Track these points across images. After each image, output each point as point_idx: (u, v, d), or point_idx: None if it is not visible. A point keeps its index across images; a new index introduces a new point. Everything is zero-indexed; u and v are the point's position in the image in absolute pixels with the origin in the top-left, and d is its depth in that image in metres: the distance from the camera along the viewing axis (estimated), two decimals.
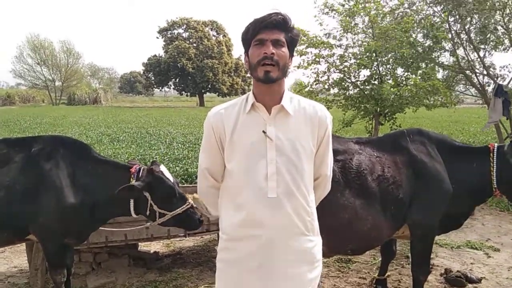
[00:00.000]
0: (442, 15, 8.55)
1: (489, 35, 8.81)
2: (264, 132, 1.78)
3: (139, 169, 3.12)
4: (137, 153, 9.66)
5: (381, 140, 3.35)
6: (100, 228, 3.42)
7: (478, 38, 9.13)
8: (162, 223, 3.12)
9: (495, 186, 3.18)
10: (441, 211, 3.13)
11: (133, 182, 3.01)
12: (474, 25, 9.08)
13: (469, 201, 3.32)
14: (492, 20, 8.42)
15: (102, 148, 10.62)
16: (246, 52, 1.83)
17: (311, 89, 8.77)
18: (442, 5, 8.97)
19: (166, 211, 3.05)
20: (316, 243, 1.89)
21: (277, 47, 1.75)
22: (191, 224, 3.17)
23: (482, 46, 9.27)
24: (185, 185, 5.94)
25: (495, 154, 3.21)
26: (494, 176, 3.17)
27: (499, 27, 8.90)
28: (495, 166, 3.18)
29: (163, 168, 3.17)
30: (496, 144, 3.30)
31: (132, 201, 3.06)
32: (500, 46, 9.12)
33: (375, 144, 3.24)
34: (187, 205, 3.09)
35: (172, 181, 3.12)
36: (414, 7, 9.32)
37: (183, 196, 3.15)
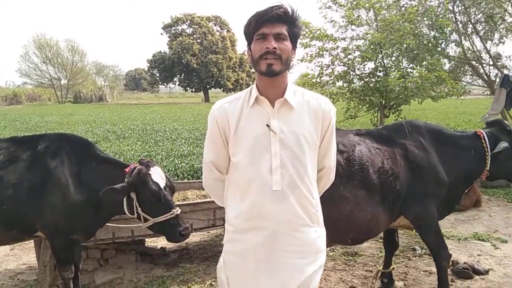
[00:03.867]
0: (444, 3, 8.46)
1: (498, 21, 8.68)
2: (267, 125, 1.79)
3: (133, 168, 3.07)
4: (143, 150, 9.70)
5: (379, 132, 3.38)
6: (107, 224, 3.46)
7: (485, 28, 9.01)
8: (148, 227, 3.06)
9: (487, 168, 3.32)
10: (438, 201, 3.20)
11: (117, 185, 2.94)
12: (480, 15, 8.97)
13: (463, 187, 3.45)
14: (497, 10, 8.31)
15: (108, 145, 10.68)
16: (249, 45, 1.83)
17: (316, 80, 8.74)
18: None
19: (148, 216, 2.99)
20: (320, 234, 1.91)
21: (279, 41, 1.74)
22: (171, 235, 3.04)
23: (488, 36, 9.15)
24: (191, 180, 5.97)
25: (486, 139, 3.32)
26: (489, 160, 3.29)
27: (507, 17, 8.78)
28: (489, 151, 3.29)
29: (156, 170, 3.08)
30: (483, 130, 3.43)
31: (125, 201, 3.04)
32: (509, 35, 9.00)
33: (373, 136, 3.27)
34: (171, 214, 2.98)
35: (161, 185, 3.02)
36: None
37: (170, 204, 3.03)
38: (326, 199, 2.64)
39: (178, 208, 3.07)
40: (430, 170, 3.15)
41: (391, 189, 3.05)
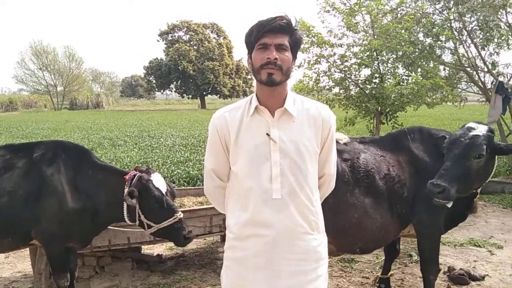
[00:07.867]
0: (446, 14, 8.51)
1: (494, 32, 8.72)
2: (268, 134, 1.80)
3: (134, 175, 3.09)
4: (139, 157, 9.67)
5: (383, 139, 3.37)
6: (103, 231, 3.44)
7: (480, 35, 9.06)
8: (151, 233, 3.08)
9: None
10: (445, 209, 3.11)
11: (128, 188, 2.98)
12: (475, 22, 9.03)
13: (471, 193, 3.30)
14: (492, 18, 8.35)
15: (104, 152, 10.63)
16: (249, 54, 1.84)
17: (312, 86, 8.75)
18: (442, 3, 8.95)
19: (151, 222, 3.01)
20: (321, 241, 1.91)
21: (280, 51, 1.76)
22: (176, 240, 3.09)
23: (484, 43, 9.19)
24: (187, 187, 5.96)
25: None
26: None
27: (502, 25, 8.82)
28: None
29: (156, 176, 3.11)
30: None
31: (125, 208, 3.05)
32: (504, 45, 9.03)
33: (378, 143, 3.27)
34: (174, 219, 3.01)
35: (163, 191, 3.05)
36: (414, 5, 9.28)
37: (173, 208, 3.07)
38: (334, 208, 2.64)
39: (180, 212, 3.10)
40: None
41: (399, 196, 3.03)
